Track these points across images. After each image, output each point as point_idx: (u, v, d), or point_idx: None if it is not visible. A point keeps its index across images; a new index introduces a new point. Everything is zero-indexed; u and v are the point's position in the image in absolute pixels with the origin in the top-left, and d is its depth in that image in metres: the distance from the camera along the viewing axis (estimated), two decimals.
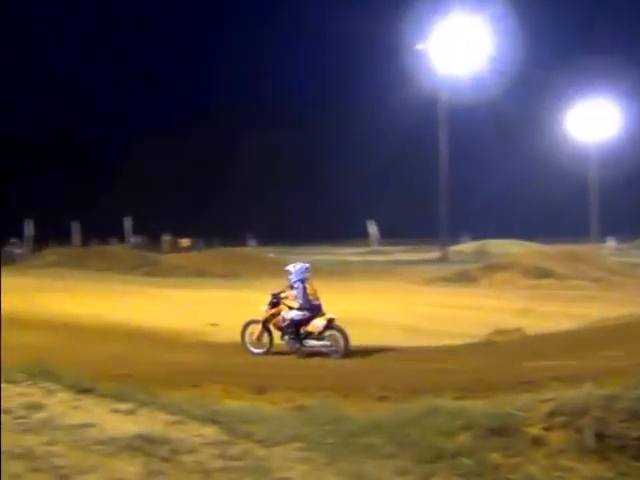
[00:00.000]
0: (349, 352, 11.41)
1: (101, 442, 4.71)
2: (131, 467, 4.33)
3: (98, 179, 64.06)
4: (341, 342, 11.46)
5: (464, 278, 29.32)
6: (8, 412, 5.34)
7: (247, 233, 60.71)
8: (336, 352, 11.45)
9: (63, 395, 5.98)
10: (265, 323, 12.06)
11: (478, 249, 46.19)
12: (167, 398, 6.29)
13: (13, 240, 53.40)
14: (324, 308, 11.99)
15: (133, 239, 54.92)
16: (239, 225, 59.75)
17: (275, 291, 12.32)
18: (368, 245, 58.54)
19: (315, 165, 69.76)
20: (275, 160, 69.43)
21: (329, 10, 66.29)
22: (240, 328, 12.15)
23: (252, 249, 54.95)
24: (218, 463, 4.43)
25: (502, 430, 4.85)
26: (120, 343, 12.79)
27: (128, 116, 73.84)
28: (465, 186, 53.37)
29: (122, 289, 23.73)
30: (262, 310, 12.20)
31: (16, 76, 67.84)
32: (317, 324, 11.67)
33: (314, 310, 11.88)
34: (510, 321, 14.77)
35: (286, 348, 11.89)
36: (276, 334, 12.12)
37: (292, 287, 12.16)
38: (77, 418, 5.27)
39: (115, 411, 5.56)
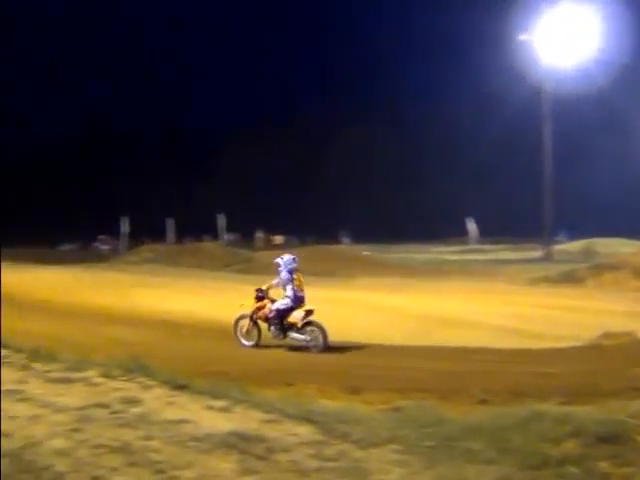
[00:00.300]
0: (327, 347, 11.73)
1: (196, 438, 4.75)
2: (226, 464, 4.34)
3: (192, 177, 65.69)
4: (320, 337, 11.80)
5: (570, 278, 28.21)
6: (105, 406, 5.48)
7: (341, 231, 60.77)
8: (315, 347, 11.81)
9: (158, 391, 6.10)
10: (252, 317, 12.50)
11: (584, 248, 44.22)
12: (261, 396, 6.30)
13: (101, 237, 55.63)
14: (307, 300, 12.35)
15: (226, 236, 55.67)
16: (333, 223, 59.88)
17: (259, 287, 12.78)
18: (466, 243, 57.24)
19: (412, 162, 68.75)
20: (370, 157, 69.06)
21: (430, 2, 65.38)
22: (232, 322, 12.65)
23: (346, 247, 54.91)
24: (314, 463, 4.38)
25: (612, 438, 4.64)
26: (213, 340, 12.96)
27: (223, 115, 75.57)
28: (569, 182, 51.32)
29: (215, 286, 23.99)
30: (249, 304, 12.66)
31: (110, 76, 71.08)
32: (297, 315, 12.09)
33: (297, 301, 12.27)
34: (619, 324, 14.00)
35: (273, 339, 12.34)
36: (264, 327, 12.53)
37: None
38: (173, 414, 5.35)
39: (210, 408, 5.62)
